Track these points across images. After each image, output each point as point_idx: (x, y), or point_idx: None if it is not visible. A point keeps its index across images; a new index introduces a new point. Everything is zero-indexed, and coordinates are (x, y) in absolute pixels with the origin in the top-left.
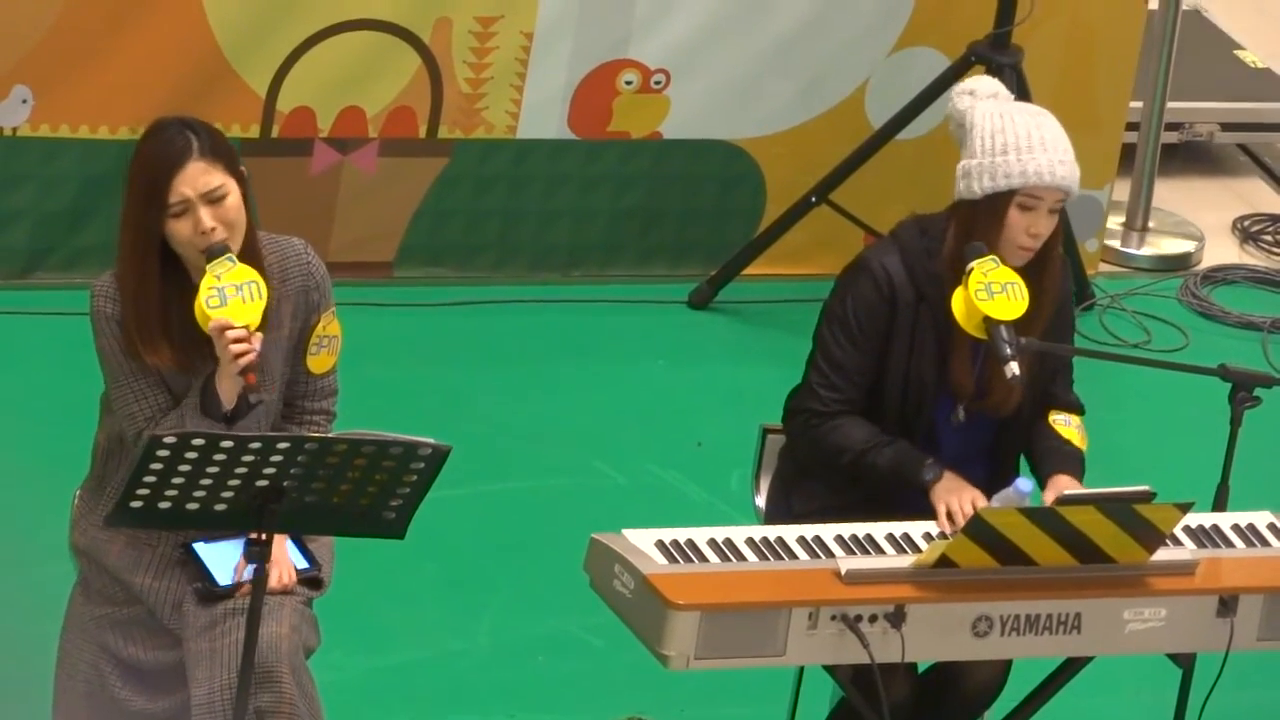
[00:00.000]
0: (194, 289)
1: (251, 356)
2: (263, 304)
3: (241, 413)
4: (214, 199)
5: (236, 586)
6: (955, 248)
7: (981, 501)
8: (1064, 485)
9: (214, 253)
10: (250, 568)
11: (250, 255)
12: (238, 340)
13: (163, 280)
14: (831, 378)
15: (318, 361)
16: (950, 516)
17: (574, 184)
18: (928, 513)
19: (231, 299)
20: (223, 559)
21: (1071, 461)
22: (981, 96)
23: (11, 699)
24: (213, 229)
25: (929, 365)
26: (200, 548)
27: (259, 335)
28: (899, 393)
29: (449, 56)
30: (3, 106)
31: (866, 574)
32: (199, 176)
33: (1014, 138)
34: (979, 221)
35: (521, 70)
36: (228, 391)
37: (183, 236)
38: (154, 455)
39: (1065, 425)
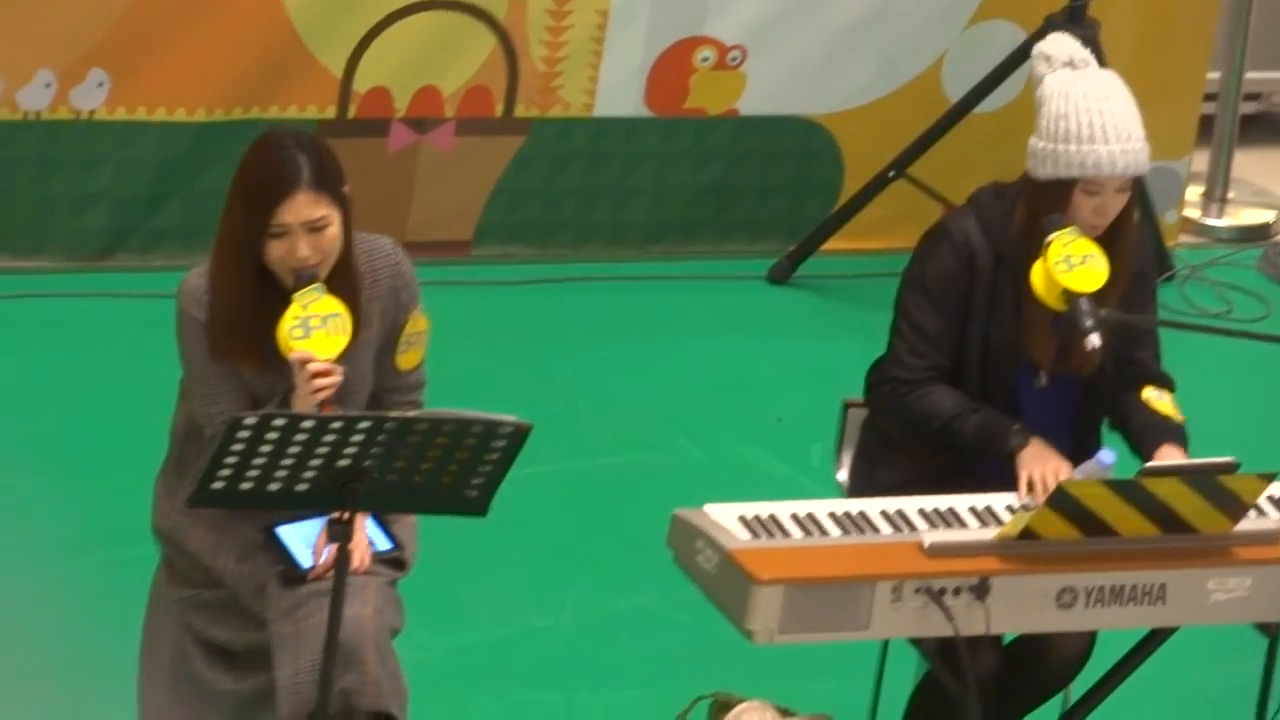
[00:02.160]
0: (285, 298)
1: (329, 392)
2: (346, 339)
3: None
4: (316, 228)
5: (316, 567)
6: (1025, 220)
7: (1065, 472)
8: (1172, 457)
9: (302, 280)
10: (328, 548)
11: (344, 274)
12: (319, 374)
13: (258, 293)
14: (917, 345)
15: (406, 358)
16: (1031, 486)
17: (651, 161)
18: (1013, 482)
19: (315, 331)
20: (304, 541)
21: (1174, 434)
22: (1056, 64)
23: (99, 679)
24: (307, 257)
25: (1008, 329)
26: (282, 530)
27: (340, 368)
28: (979, 357)
29: (524, 35)
30: (80, 89)
31: (950, 547)
32: (304, 207)
33: (1076, 126)
34: (1045, 202)
35: (597, 48)
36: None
37: (275, 256)
38: (235, 436)
39: (1159, 400)
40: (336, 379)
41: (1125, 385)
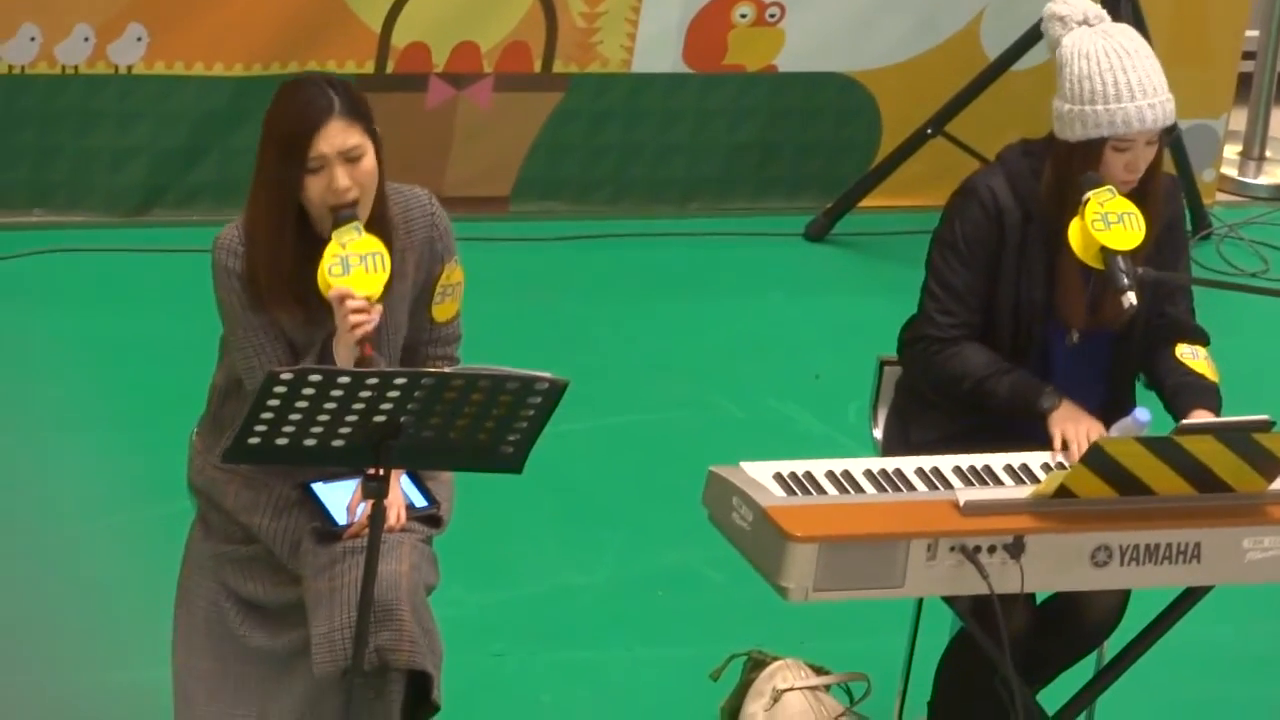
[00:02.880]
0: (323, 245)
1: (369, 328)
2: (385, 275)
3: None
4: (351, 158)
5: (351, 525)
6: (1053, 181)
7: (1099, 432)
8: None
9: (341, 219)
10: (363, 506)
11: (380, 215)
12: (357, 310)
13: (298, 239)
14: (947, 303)
15: (442, 310)
16: (1065, 445)
17: (690, 118)
18: (1047, 441)
19: (354, 268)
20: (340, 498)
21: (1208, 396)
22: (1071, 24)
23: (135, 634)
24: (348, 188)
25: (1039, 285)
26: (318, 487)
27: (379, 307)
28: (1010, 314)
29: None
30: (118, 44)
31: (985, 505)
32: (338, 135)
33: (1101, 85)
34: (1075, 162)
35: (636, 4)
36: (344, 358)
37: (315, 193)
38: (271, 391)
39: (1193, 358)
40: (375, 316)
41: (1159, 341)
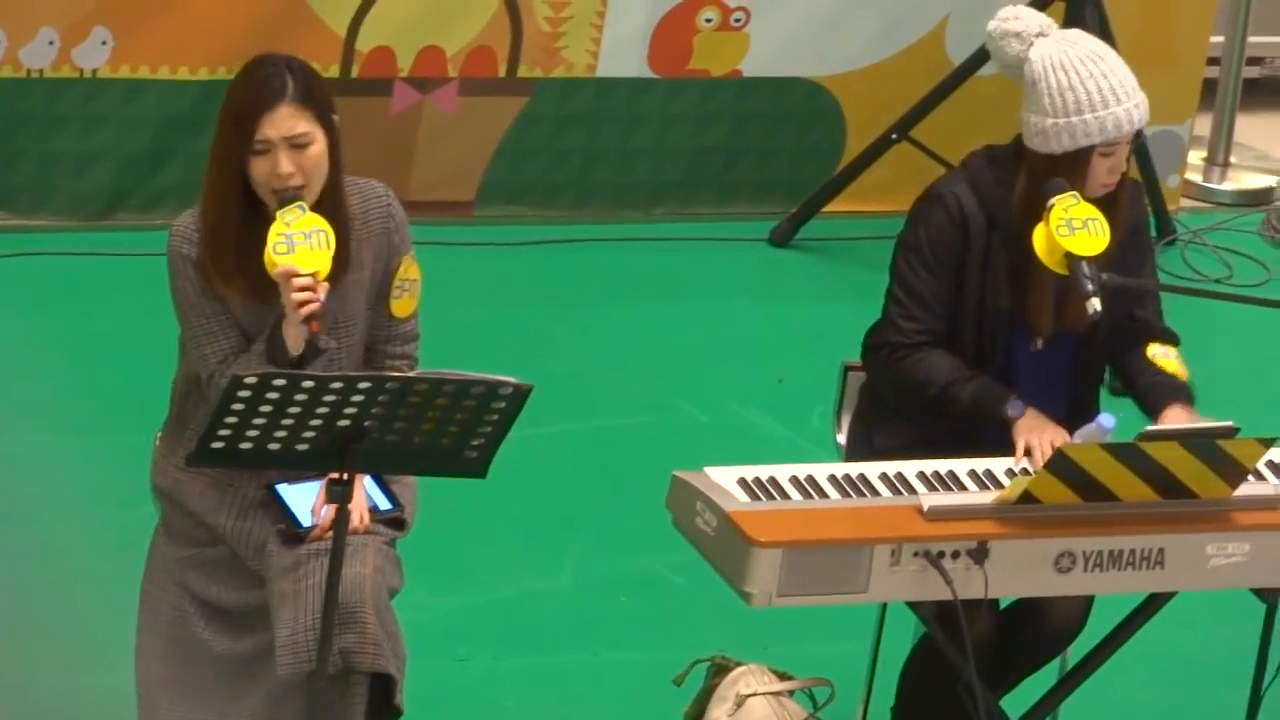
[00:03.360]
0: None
1: (315, 306)
2: (330, 253)
3: (309, 359)
4: (297, 145)
5: (315, 527)
6: (1028, 192)
7: (1063, 439)
8: (1179, 417)
9: (286, 200)
10: (327, 508)
11: (332, 203)
12: (303, 289)
13: (243, 216)
14: (911, 308)
15: (400, 305)
16: (1029, 453)
17: (654, 122)
18: (1011, 448)
19: (299, 246)
20: (305, 500)
21: (1181, 393)
22: (1029, 38)
23: (96, 642)
24: (290, 174)
25: (1003, 292)
26: (283, 489)
27: (325, 285)
28: (974, 321)
29: None
30: (83, 48)
31: (949, 510)
32: (285, 120)
33: (1084, 94)
34: (1062, 173)
35: (601, 9)
36: (294, 339)
37: (260, 176)
38: (235, 396)
39: (1165, 358)
40: (321, 294)
41: (1129, 344)
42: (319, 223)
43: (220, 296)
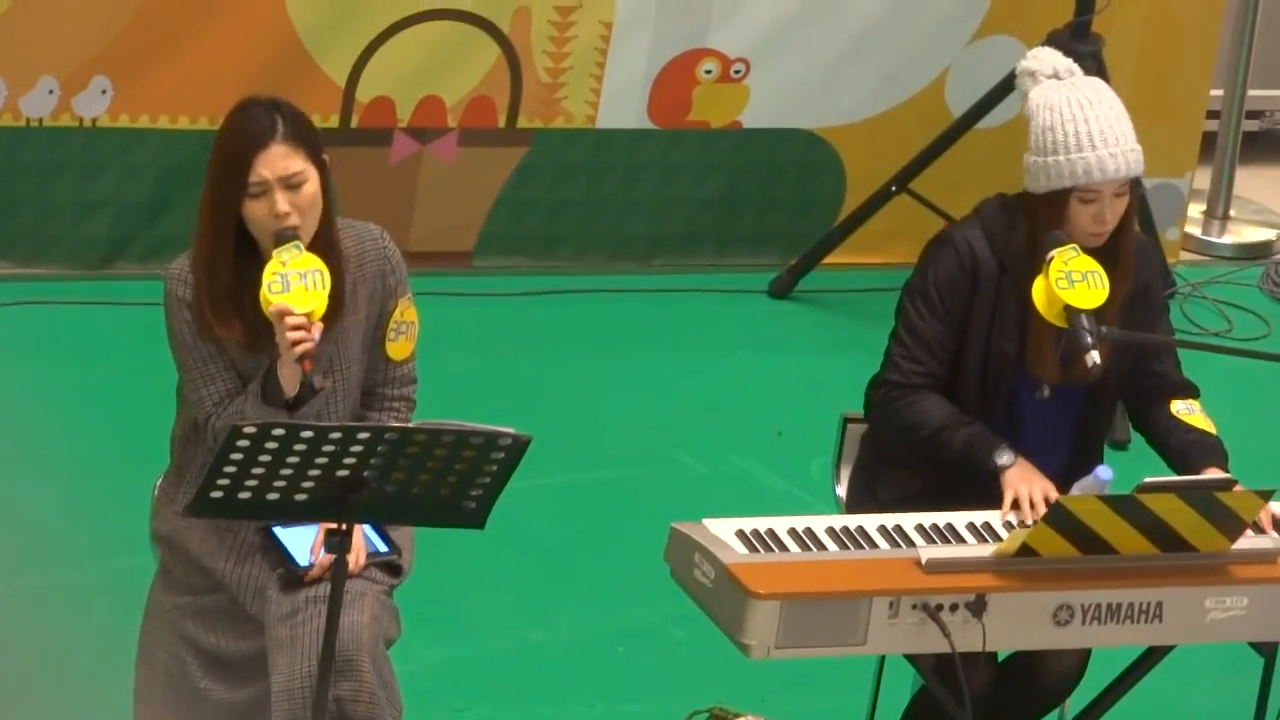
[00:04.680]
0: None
1: (308, 345)
2: (325, 294)
3: (305, 399)
4: (292, 184)
5: (313, 566)
6: (1026, 236)
7: (1052, 492)
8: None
9: (282, 239)
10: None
11: (326, 242)
12: (296, 328)
13: (238, 258)
14: (913, 350)
15: (396, 348)
16: (1017, 505)
17: (654, 173)
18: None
19: (295, 285)
20: (302, 540)
21: (1216, 454)
22: (1041, 78)
23: (94, 690)
24: (286, 214)
25: (1011, 338)
26: (279, 531)
27: (319, 325)
28: (979, 366)
29: (528, 46)
30: (83, 97)
31: (947, 563)
32: (279, 160)
33: (1063, 136)
34: (1043, 215)
35: (601, 60)
36: (289, 379)
37: (257, 217)
38: (234, 445)
39: (1189, 414)
40: (315, 334)
41: (1151, 400)
42: (315, 262)
43: (217, 339)
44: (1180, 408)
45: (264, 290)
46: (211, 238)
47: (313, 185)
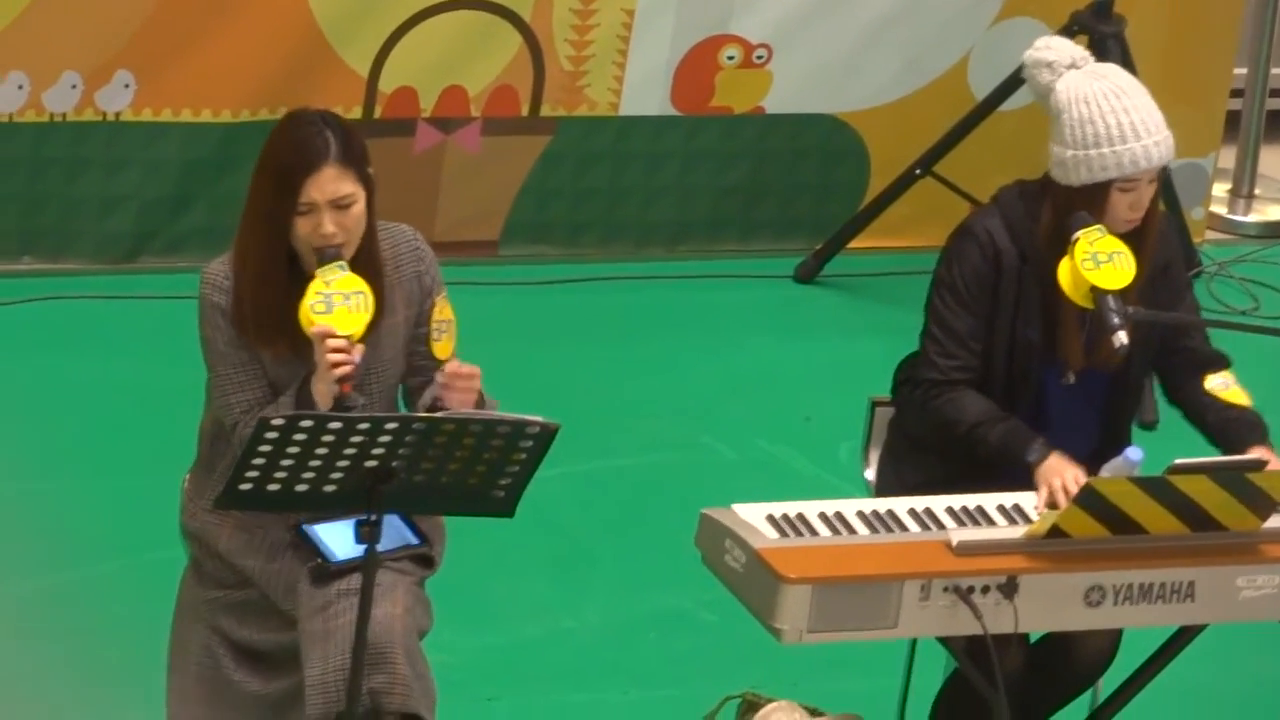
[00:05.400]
0: (307, 280)
1: (348, 369)
2: (368, 316)
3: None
4: (340, 205)
5: (349, 562)
6: (1053, 224)
7: (1084, 479)
8: (1264, 456)
9: (326, 258)
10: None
11: (368, 257)
12: (337, 350)
13: (284, 270)
14: (947, 345)
15: (441, 347)
16: (1054, 493)
17: (677, 160)
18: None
19: (337, 307)
20: (335, 536)
21: (1258, 431)
22: (1060, 69)
23: (126, 684)
24: (333, 234)
25: (1035, 326)
26: (311, 528)
27: (360, 347)
28: (1005, 354)
29: (550, 35)
30: (106, 91)
31: (978, 545)
32: (330, 183)
33: (1104, 128)
34: (1079, 205)
35: (623, 47)
36: (323, 395)
37: (301, 233)
38: (262, 438)
39: (1225, 389)
40: (355, 356)
41: (1184, 376)
42: (359, 284)
43: (251, 347)
44: (1215, 383)
45: (307, 309)
46: (259, 254)
47: (360, 206)
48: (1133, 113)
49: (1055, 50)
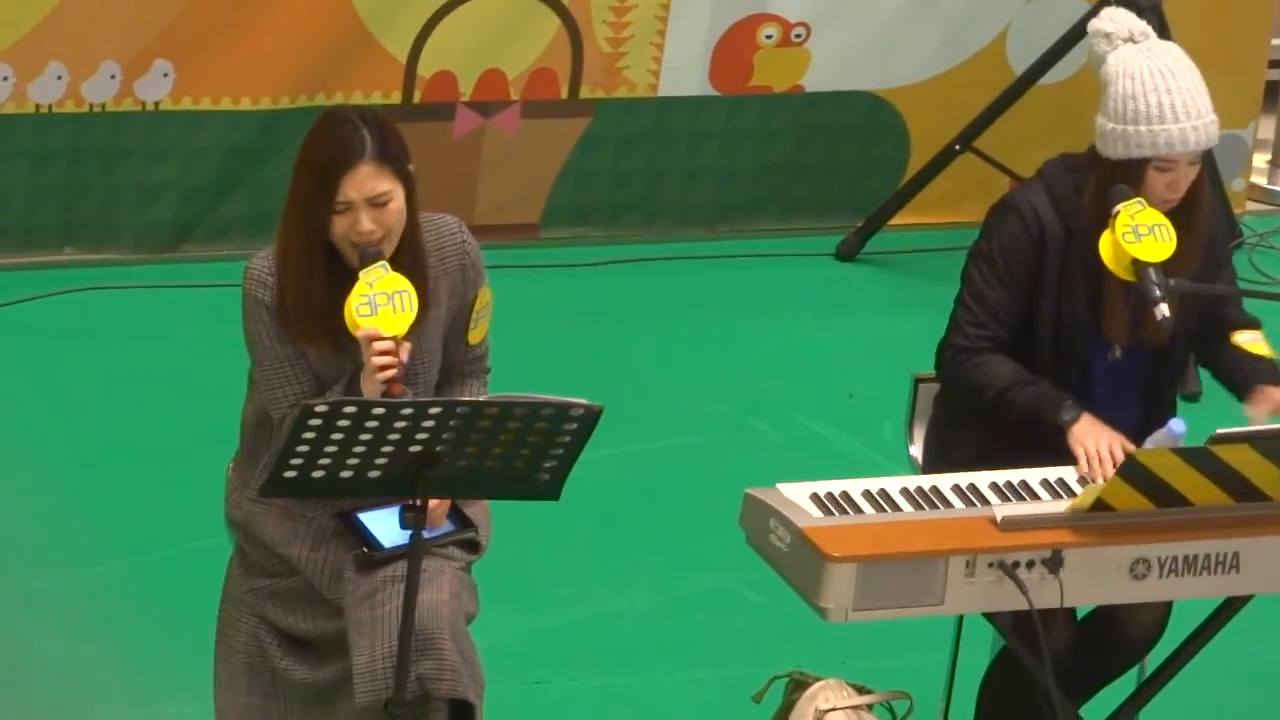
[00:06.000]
0: (353, 276)
1: (395, 371)
2: (412, 315)
3: None
4: (378, 204)
5: (396, 549)
6: (1095, 196)
7: (1119, 444)
8: (1266, 395)
9: (367, 258)
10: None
11: (410, 252)
12: (384, 353)
13: (325, 267)
14: (978, 314)
15: (476, 333)
16: (1089, 460)
17: (717, 140)
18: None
19: (382, 308)
20: (383, 523)
21: (1267, 373)
22: (1117, 41)
23: (175, 672)
24: (371, 231)
25: (1080, 302)
26: (360, 515)
27: (406, 346)
28: (1051, 331)
29: (588, 17)
30: (145, 81)
31: (1022, 520)
32: (366, 180)
33: (1145, 106)
34: (1118, 180)
35: (661, 28)
36: (371, 395)
37: (339, 231)
38: (306, 424)
39: (1251, 342)
40: (403, 357)
41: (1218, 342)
42: (401, 283)
43: (295, 342)
44: (1241, 337)
45: (350, 311)
46: (300, 253)
47: (398, 203)
48: (1175, 94)
49: (1116, 22)
